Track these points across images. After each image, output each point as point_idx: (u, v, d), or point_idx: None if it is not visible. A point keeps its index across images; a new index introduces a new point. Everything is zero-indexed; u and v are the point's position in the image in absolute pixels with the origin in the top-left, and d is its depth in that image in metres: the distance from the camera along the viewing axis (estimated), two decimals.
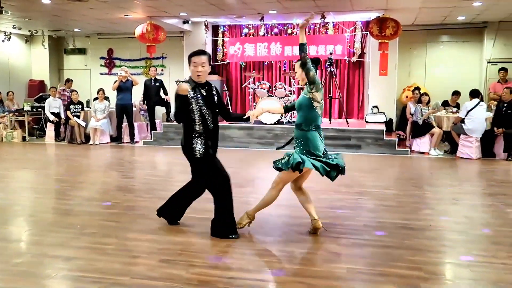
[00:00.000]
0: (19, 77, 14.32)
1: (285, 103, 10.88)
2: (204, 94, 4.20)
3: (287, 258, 3.74)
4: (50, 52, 14.83)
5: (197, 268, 3.47)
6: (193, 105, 4.12)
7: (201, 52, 4.21)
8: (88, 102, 12.96)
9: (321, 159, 4.19)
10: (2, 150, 10.50)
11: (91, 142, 11.41)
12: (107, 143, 11.52)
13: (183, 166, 7.56)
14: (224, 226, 4.21)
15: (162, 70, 14.08)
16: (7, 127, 12.24)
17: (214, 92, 4.31)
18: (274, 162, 4.29)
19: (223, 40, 13.44)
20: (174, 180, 6.43)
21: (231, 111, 4.66)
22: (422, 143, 9.77)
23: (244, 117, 4.41)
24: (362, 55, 12.57)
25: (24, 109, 12.46)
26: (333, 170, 4.18)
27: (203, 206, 5.23)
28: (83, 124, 11.55)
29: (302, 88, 4.36)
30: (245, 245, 4.07)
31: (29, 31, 13.69)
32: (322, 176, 4.17)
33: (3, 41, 13.11)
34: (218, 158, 4.30)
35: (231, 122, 10.75)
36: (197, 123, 4.13)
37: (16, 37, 13.99)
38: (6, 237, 4.32)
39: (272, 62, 13.17)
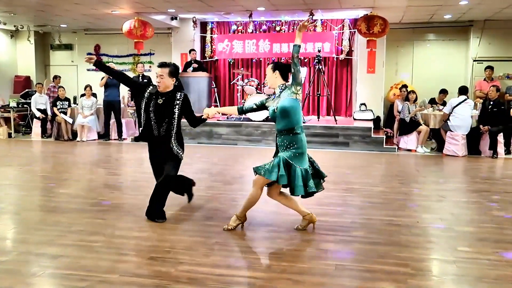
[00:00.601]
0: (4, 73, 14.13)
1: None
2: (160, 102, 4.51)
3: (275, 255, 3.75)
4: (36, 48, 14.65)
5: (185, 266, 3.47)
6: (142, 110, 4.57)
7: (162, 65, 4.52)
8: (75, 98, 12.84)
9: (309, 166, 4.26)
10: None
11: (78, 139, 11.31)
12: (95, 140, 11.44)
13: None
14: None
15: (150, 66, 14.00)
16: None
17: (177, 102, 4.52)
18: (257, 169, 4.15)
19: (211, 37, 13.41)
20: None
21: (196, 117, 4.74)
22: (409, 141, 9.85)
23: (202, 117, 4.65)
24: (350, 52, 12.62)
25: (10, 105, 12.30)
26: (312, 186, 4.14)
27: (191, 203, 5.23)
28: (70, 120, 11.45)
29: (274, 92, 4.37)
30: (233, 242, 4.07)
31: (15, 26, 13.51)
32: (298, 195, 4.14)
33: None
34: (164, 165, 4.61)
35: (219, 119, 10.74)
36: (142, 126, 4.61)
37: (1, 32, 13.80)
38: None
39: (261, 59, 13.17)
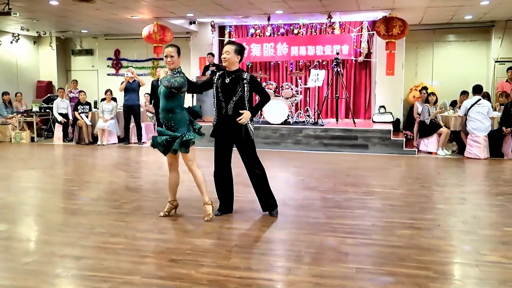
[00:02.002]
0: (27, 78, 14.41)
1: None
2: (227, 82, 4.74)
3: (295, 257, 3.75)
4: (57, 53, 14.92)
5: (206, 268, 3.49)
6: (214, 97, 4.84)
7: (229, 42, 4.80)
8: (95, 103, 13.03)
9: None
10: (11, 151, 10.58)
11: (99, 142, 11.47)
12: (115, 143, 11.58)
13: None
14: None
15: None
16: (16, 128, 12.33)
17: (244, 82, 4.74)
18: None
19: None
20: (180, 180, 6.43)
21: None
22: (429, 143, 9.74)
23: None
24: (368, 55, 12.55)
25: (33, 110, 12.55)
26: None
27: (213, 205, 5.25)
28: (88, 122, 11.60)
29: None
30: (253, 244, 4.08)
31: (37, 32, 13.78)
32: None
33: (11, 42, 13.21)
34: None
35: None
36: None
37: (24, 38, 14.08)
38: (15, 236, 4.35)
39: (279, 62, 13.18)
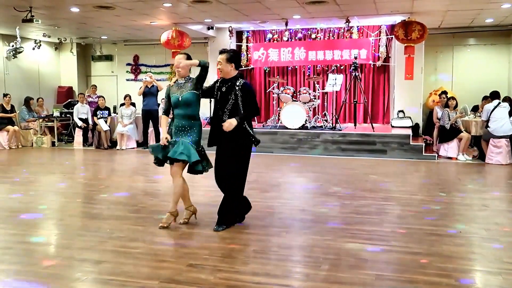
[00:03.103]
0: (48, 83, 14.64)
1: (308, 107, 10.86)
2: (223, 90, 4.67)
3: (313, 263, 3.72)
4: (78, 59, 15.13)
5: (224, 273, 3.48)
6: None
7: (221, 52, 4.70)
8: (114, 108, 13.18)
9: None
10: (32, 155, 10.75)
11: (118, 147, 11.59)
12: (133, 148, 11.69)
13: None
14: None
15: None
16: (37, 133, 12.54)
17: (236, 88, 4.60)
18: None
19: (247, 46, 13.50)
20: (198, 185, 6.47)
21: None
22: (449, 148, 9.60)
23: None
24: (387, 59, 12.44)
25: (53, 115, 12.75)
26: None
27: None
28: (106, 127, 11.72)
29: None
30: (270, 250, 4.07)
31: (58, 38, 14.00)
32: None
33: (33, 48, 13.45)
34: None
35: (255, 127, 10.79)
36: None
37: (46, 44, 14.32)
38: (36, 240, 4.41)
39: (296, 67, 13.15)
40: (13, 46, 12.23)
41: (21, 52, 12.48)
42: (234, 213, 4.70)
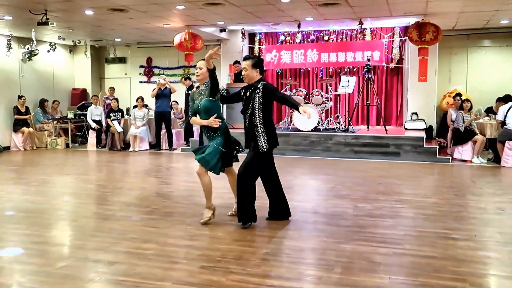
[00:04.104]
0: (63, 85, 14.79)
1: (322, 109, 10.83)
2: (247, 95, 4.81)
3: (326, 266, 3.70)
4: (92, 61, 15.27)
5: (236, 275, 3.48)
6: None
7: (245, 58, 4.82)
8: (128, 109, 13.28)
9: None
10: (47, 157, 10.88)
11: (130, 149, 11.67)
12: (146, 150, 11.75)
13: None
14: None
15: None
16: (52, 134, 12.68)
17: (257, 91, 4.71)
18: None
19: (259, 48, 13.51)
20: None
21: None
22: (464, 151, 9.49)
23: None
24: (400, 61, 12.36)
25: (68, 117, 12.88)
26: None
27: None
28: (119, 129, 11.81)
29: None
30: (283, 252, 4.05)
31: (73, 41, 14.15)
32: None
33: (48, 51, 13.60)
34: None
35: None
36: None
37: (61, 47, 14.48)
38: (50, 241, 4.46)
39: (309, 69, 13.13)
40: (28, 48, 12.39)
41: (36, 54, 12.63)
42: (245, 211, 4.71)
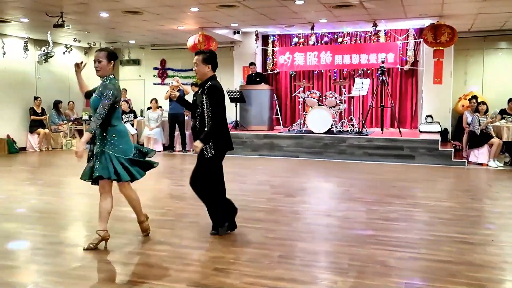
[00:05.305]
0: (78, 87, 14.91)
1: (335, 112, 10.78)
2: (198, 93, 4.53)
3: (340, 270, 3.67)
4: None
5: (250, 278, 3.47)
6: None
7: (196, 53, 4.52)
8: (142, 111, 13.35)
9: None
10: (62, 158, 10.98)
11: None
12: (160, 151, 11.80)
13: (232, 174, 7.64)
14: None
15: None
16: (67, 135, 12.81)
17: (205, 92, 4.40)
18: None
19: (273, 50, 13.50)
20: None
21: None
22: (480, 154, 9.37)
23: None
24: (415, 63, 12.26)
25: (82, 118, 13.00)
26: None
27: (253, 215, 5.26)
28: (133, 131, 11.88)
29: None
30: (296, 256, 4.03)
31: (88, 43, 14.28)
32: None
33: (64, 53, 13.75)
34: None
35: (280, 131, 10.76)
36: None
37: (76, 49, 14.63)
38: (65, 241, 4.50)
39: (322, 71, 13.08)
40: (44, 50, 12.53)
41: (52, 56, 12.77)
42: (218, 217, 4.50)
